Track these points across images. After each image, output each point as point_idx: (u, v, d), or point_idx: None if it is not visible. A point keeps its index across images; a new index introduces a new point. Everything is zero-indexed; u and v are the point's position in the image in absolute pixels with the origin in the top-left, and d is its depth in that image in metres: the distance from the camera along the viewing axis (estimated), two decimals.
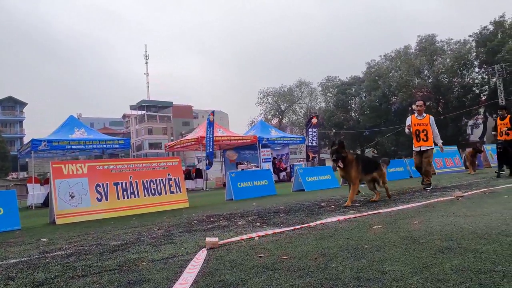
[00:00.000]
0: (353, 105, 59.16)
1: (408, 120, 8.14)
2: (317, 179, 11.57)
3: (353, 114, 59.05)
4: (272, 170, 20.07)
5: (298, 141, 25.20)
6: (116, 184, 7.26)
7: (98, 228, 5.35)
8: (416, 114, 8.09)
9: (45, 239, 4.59)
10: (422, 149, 7.85)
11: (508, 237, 2.68)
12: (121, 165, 7.48)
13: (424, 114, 8.06)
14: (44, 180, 15.93)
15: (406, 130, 8.11)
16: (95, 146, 16.36)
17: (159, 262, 2.81)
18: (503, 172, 10.14)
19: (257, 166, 19.62)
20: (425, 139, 7.85)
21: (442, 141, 8.29)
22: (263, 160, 20.60)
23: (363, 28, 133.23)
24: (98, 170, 7.19)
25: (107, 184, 7.14)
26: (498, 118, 10.74)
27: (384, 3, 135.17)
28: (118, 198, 7.24)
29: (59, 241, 4.40)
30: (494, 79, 40.34)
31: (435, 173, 7.62)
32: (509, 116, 10.32)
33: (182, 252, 3.12)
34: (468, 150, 15.37)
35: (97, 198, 6.99)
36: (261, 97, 63.12)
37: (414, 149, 8.06)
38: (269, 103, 63.45)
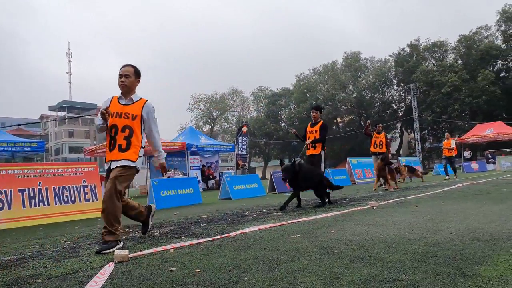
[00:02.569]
0: (283, 116, 60.80)
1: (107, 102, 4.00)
2: (244, 188, 11.57)
3: (282, 124, 60.62)
4: (200, 178, 19.74)
5: (228, 149, 25.17)
6: (21, 191, 6.57)
7: None
8: (119, 95, 4.01)
9: None
10: (114, 165, 3.79)
11: (413, 245, 2.80)
12: (28, 170, 6.79)
13: (136, 98, 3.99)
14: None
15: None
16: (2, 148, 14.79)
17: (57, 279, 2.51)
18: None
19: (185, 174, 19.18)
20: (124, 146, 3.87)
21: (163, 151, 4.32)
22: (192, 168, 20.20)
23: (293, 41, 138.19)
24: (0, 175, 6.45)
25: (10, 190, 6.43)
26: (310, 123, 7.84)
27: (314, 20, 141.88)
28: (24, 207, 6.55)
29: None
30: (409, 97, 43.98)
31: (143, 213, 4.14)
32: (322, 122, 7.59)
33: (87, 267, 2.84)
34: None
35: None
36: (192, 103, 62.31)
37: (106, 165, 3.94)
38: (200, 109, 62.83)
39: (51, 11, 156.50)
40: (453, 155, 15.45)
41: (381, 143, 11.14)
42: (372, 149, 11.39)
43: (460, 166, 24.51)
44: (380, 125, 11.75)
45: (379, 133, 11.35)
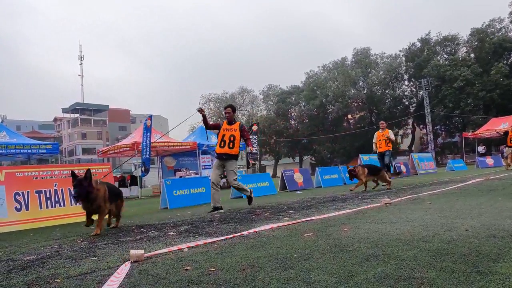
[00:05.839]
0: (292, 114, 60.68)
1: None
2: (256, 186, 11.59)
3: (292, 122, 60.48)
4: None
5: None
6: (38, 192, 6.69)
7: (14, 241, 4.87)
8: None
9: None
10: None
11: (428, 243, 2.79)
12: (44, 171, 6.91)
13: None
14: None
15: None
16: (18, 151, 15.08)
17: (75, 279, 2.57)
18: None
19: (197, 173, 19.28)
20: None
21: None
22: (203, 167, 20.31)
23: (303, 39, 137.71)
24: (18, 177, 6.57)
25: (28, 192, 6.55)
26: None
27: (323, 17, 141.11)
28: (41, 208, 6.67)
29: None
30: (421, 92, 43.48)
31: None
32: None
33: (104, 266, 2.89)
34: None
35: (15, 207, 6.38)
36: (203, 102, 62.56)
37: None
38: (211, 109, 63.02)
39: (60, 15, 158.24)
40: (388, 149, 11.34)
41: (232, 138, 6.88)
42: (217, 149, 7.04)
43: (475, 161, 24.17)
44: (229, 109, 7.05)
45: (230, 123, 6.97)
